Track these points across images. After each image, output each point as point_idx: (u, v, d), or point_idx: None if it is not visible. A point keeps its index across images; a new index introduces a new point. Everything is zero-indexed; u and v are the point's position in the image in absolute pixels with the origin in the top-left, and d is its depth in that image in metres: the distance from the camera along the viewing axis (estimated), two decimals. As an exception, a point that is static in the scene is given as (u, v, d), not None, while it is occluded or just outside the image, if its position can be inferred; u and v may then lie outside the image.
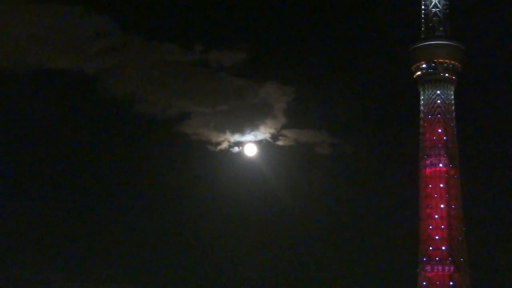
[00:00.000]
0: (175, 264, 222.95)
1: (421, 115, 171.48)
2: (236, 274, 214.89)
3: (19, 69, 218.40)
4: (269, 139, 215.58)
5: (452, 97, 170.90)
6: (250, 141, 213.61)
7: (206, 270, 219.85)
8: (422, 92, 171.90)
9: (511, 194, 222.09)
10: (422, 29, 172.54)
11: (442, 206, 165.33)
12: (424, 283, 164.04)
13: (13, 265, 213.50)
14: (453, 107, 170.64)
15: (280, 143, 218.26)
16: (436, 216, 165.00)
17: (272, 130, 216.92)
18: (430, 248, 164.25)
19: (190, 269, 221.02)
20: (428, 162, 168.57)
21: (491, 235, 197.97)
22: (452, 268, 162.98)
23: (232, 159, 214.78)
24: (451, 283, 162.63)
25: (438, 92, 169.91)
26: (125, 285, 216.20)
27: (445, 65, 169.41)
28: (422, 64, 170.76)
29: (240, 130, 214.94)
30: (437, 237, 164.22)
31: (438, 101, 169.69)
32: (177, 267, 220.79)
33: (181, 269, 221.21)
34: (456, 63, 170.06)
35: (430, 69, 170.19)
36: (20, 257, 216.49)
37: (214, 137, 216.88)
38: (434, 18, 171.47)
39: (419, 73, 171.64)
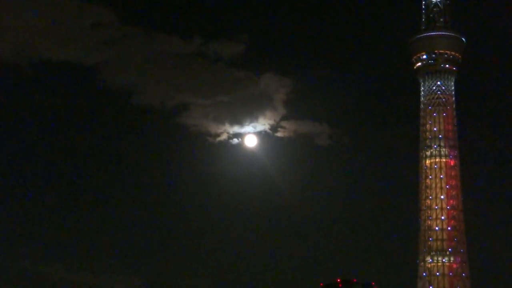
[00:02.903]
0: (175, 254, 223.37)
1: (421, 106, 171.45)
2: (237, 263, 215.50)
3: (19, 61, 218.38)
4: (268, 131, 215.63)
5: (453, 88, 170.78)
6: (249, 133, 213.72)
7: (207, 259, 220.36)
8: (422, 83, 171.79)
9: (511, 185, 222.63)
10: (423, 20, 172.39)
11: (442, 197, 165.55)
12: (424, 273, 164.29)
13: (15, 257, 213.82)
14: (453, 98, 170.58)
15: (279, 134, 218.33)
16: (436, 207, 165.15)
17: (271, 122, 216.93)
18: (430, 239, 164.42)
19: (190, 259, 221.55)
20: (428, 153, 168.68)
21: (491, 226, 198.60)
22: (452, 258, 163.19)
23: (231, 150, 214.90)
24: (450, 273, 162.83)
25: (439, 83, 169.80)
26: (127, 276, 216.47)
27: (446, 56, 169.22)
28: (423, 55, 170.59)
29: (239, 121, 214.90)
30: (437, 228, 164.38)
31: (439, 92, 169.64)
32: (177, 257, 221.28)
33: (182, 259, 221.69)
34: (457, 54, 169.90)
35: (431, 60, 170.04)
36: (21, 249, 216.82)
37: (213, 128, 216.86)
38: (435, 9, 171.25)
39: (419, 64, 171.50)
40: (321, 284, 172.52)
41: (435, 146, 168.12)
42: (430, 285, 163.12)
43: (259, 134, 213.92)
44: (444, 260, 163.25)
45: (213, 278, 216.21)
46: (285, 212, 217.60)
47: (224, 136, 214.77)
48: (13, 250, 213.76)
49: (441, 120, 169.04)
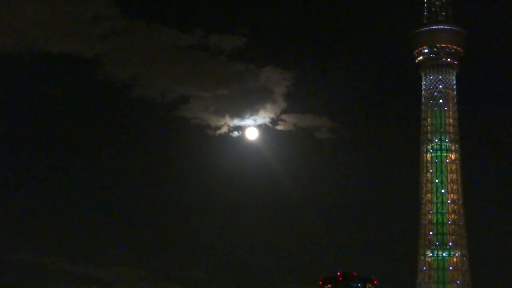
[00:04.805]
0: (175, 246, 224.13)
1: (423, 100, 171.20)
2: (237, 255, 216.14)
3: (20, 53, 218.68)
4: (269, 124, 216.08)
5: (454, 82, 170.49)
6: (249, 126, 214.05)
7: (207, 252, 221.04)
8: (424, 77, 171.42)
9: (511, 179, 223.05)
10: (425, 13, 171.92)
11: (442, 191, 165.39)
12: (424, 267, 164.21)
13: (13, 248, 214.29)
14: (454, 92, 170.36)
15: (279, 127, 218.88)
16: (437, 201, 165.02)
17: (272, 115, 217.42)
18: (431, 233, 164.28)
19: (190, 251, 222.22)
20: (429, 147, 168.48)
21: (491, 220, 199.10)
22: (452, 252, 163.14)
23: (231, 143, 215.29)
24: (451, 267, 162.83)
25: (440, 77, 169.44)
26: (127, 268, 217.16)
27: (447, 49, 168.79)
28: (424, 49, 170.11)
29: (240, 114, 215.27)
30: (437, 222, 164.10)
31: (440, 86, 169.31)
32: (177, 249, 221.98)
33: (182, 251, 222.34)
34: (458, 48, 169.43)
35: (432, 54, 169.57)
36: (19, 240, 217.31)
37: (214, 121, 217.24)
38: (437, 3, 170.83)
39: (421, 58, 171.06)
40: (322, 277, 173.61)
41: (436, 140, 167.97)
42: (430, 279, 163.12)
43: (260, 127, 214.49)
44: (444, 254, 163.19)
45: (213, 270, 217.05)
46: (285, 205, 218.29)
47: (224, 129, 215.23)
48: (14, 242, 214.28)
49: (442, 114, 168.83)
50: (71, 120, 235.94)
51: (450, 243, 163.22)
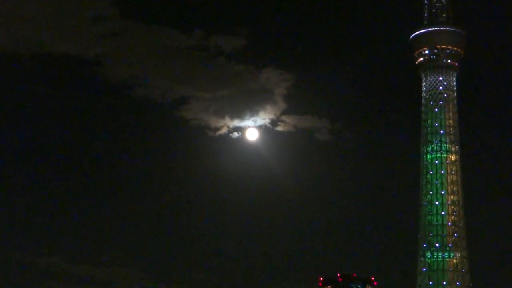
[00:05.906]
0: (175, 247, 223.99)
1: (423, 101, 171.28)
2: (237, 256, 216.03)
3: (21, 53, 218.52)
4: (269, 125, 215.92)
5: (454, 83, 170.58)
6: (249, 127, 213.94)
7: (206, 253, 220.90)
8: (424, 78, 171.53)
9: (511, 181, 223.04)
10: (425, 15, 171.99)
11: (442, 192, 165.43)
12: (424, 269, 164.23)
13: (13, 248, 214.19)
14: (455, 94, 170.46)
15: (279, 128, 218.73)
16: (437, 203, 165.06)
17: (272, 116, 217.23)
18: (430, 234, 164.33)
19: (190, 252, 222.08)
20: (429, 148, 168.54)
21: (491, 221, 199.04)
22: (452, 254, 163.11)
23: (231, 144, 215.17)
24: (450, 269, 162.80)
25: (440, 78, 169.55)
26: (127, 268, 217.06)
27: (448, 51, 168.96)
28: (425, 50, 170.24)
29: (240, 115, 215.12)
30: (437, 223, 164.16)
31: (440, 87, 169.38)
32: (177, 250, 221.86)
33: (182, 252, 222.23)
34: (459, 49, 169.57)
35: (433, 55, 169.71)
36: (19, 240, 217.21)
37: (214, 122, 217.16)
38: (437, 4, 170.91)
39: (421, 59, 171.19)
40: (321, 279, 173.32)
41: (436, 141, 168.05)
42: (430, 280, 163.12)
43: (260, 128, 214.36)
44: (444, 255, 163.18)
45: (213, 270, 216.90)
46: (285, 205, 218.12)
47: (224, 130, 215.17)
48: (14, 242, 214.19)
49: (443, 115, 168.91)
50: (71, 121, 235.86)
51: (450, 245, 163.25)
